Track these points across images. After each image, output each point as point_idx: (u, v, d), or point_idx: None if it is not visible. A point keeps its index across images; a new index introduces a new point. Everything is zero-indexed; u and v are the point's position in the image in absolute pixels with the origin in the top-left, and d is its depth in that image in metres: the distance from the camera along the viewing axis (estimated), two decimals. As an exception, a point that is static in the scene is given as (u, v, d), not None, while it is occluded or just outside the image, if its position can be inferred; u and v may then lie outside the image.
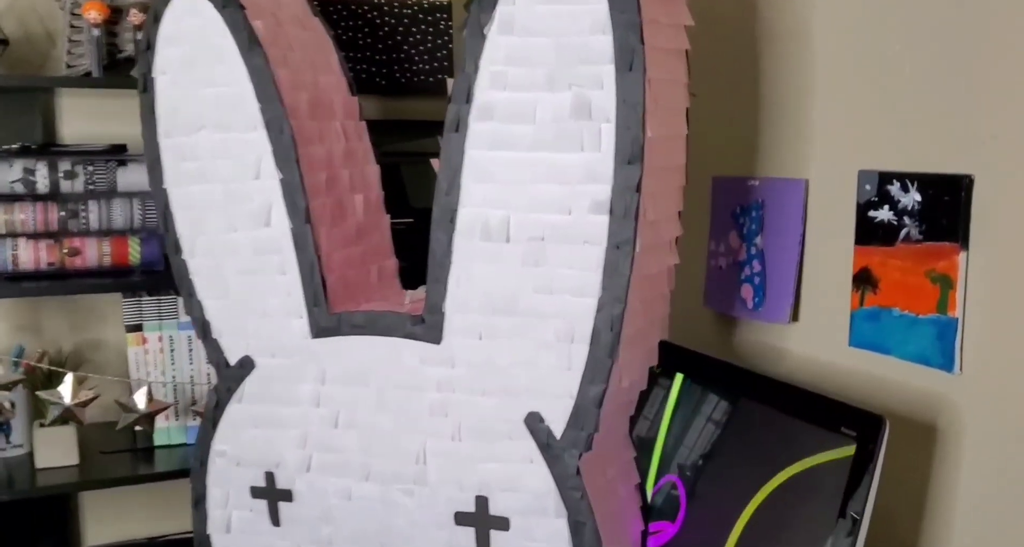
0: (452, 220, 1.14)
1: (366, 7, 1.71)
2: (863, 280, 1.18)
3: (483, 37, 1.10)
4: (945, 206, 1.06)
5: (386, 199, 1.42)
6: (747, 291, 1.40)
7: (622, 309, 1.09)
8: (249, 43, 1.21)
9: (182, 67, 1.25)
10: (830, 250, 1.25)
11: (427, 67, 1.78)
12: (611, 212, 1.08)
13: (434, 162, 1.15)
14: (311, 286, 1.23)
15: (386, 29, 1.72)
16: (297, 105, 1.24)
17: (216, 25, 1.22)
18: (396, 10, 1.72)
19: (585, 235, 1.09)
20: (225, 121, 1.23)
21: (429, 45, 1.78)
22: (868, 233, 1.17)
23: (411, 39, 1.75)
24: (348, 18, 1.69)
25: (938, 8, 1.08)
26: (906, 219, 1.12)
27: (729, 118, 1.42)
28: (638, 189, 1.06)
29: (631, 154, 1.06)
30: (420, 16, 1.74)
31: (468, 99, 1.12)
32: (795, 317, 1.32)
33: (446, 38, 1.79)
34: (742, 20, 1.38)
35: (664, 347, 1.26)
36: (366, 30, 1.71)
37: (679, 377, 1.23)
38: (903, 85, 1.13)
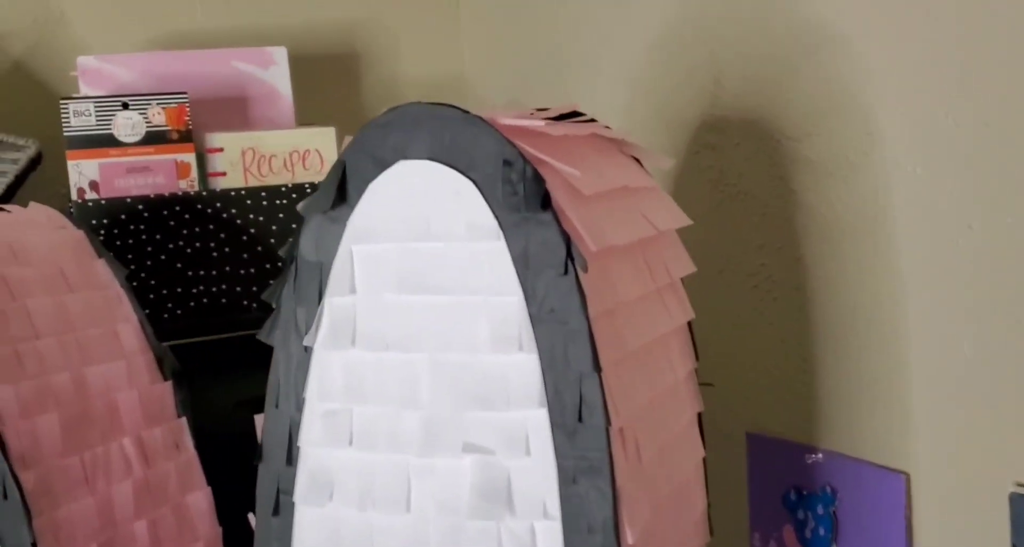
0: None
1: (211, 208, 0.99)
2: None
3: (307, 353, 0.59)
4: None
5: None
6: (823, 636, 0.87)
7: None
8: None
9: None
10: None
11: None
12: None
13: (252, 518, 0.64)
14: None
15: (249, 234, 0.99)
16: (39, 437, 0.73)
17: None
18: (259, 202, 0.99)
19: None
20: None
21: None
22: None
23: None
24: (191, 229, 0.95)
25: None
26: None
27: (773, 348, 0.90)
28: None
29: (598, 578, 0.54)
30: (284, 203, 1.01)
31: (290, 459, 0.61)
32: None
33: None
34: (777, 199, 0.85)
35: None
36: (223, 245, 0.98)
37: None
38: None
